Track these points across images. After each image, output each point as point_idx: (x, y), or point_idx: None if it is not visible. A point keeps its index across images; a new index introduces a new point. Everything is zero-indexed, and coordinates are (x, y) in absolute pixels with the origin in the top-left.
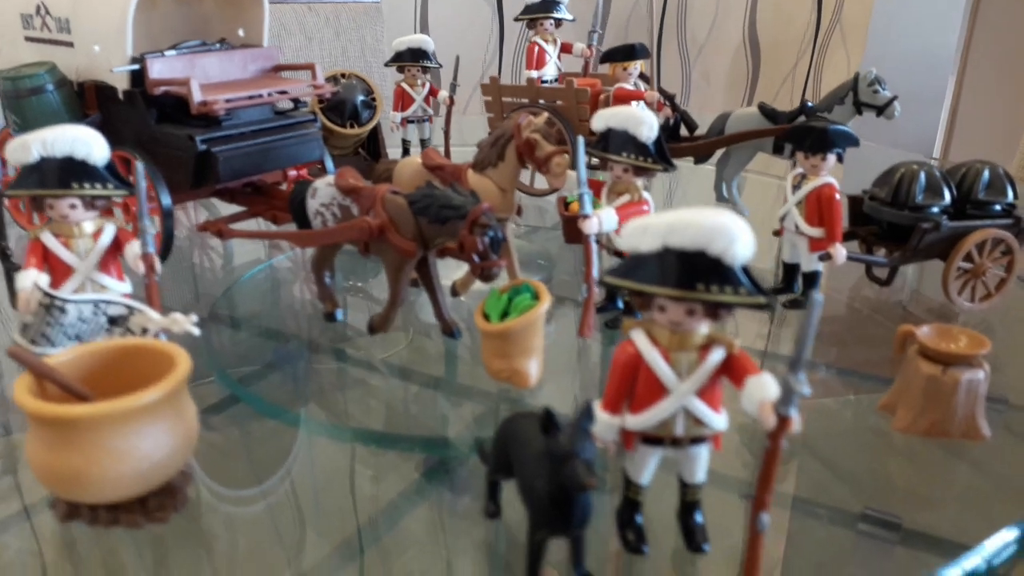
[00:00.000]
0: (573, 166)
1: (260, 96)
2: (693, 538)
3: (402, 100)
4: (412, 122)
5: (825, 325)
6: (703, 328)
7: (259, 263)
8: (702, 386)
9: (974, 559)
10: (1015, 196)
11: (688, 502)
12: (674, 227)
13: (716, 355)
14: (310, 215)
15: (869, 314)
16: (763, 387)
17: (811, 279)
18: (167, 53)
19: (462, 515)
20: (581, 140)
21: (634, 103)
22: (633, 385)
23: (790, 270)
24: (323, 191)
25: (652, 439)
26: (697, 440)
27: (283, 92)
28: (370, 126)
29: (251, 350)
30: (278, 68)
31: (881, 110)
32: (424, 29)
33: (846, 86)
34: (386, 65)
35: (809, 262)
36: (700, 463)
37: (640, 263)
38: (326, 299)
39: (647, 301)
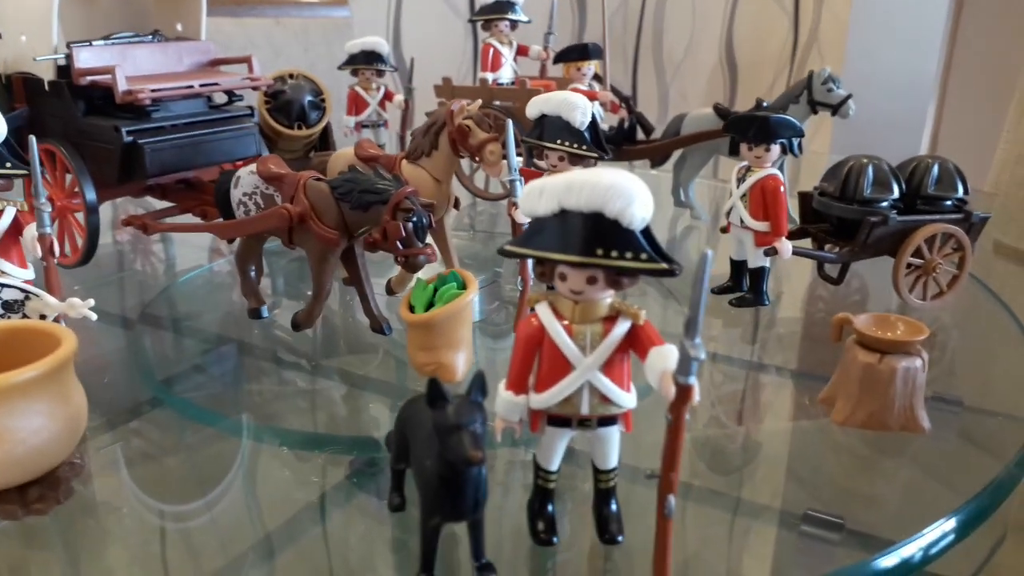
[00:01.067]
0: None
1: (190, 87)
2: (607, 529)
3: (356, 104)
4: (367, 127)
5: (779, 327)
6: (607, 299)
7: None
8: (607, 360)
9: (910, 548)
10: (966, 191)
11: (602, 490)
12: (570, 187)
13: (621, 327)
14: (233, 205)
15: (822, 316)
16: (664, 357)
17: (758, 275)
18: (95, 43)
19: (385, 515)
20: (510, 123)
21: None
22: (538, 360)
23: (737, 267)
24: (246, 179)
25: (559, 419)
26: (606, 421)
27: (215, 84)
28: (319, 128)
29: (180, 352)
30: (215, 62)
31: (836, 108)
32: (396, 44)
33: (800, 84)
34: (339, 68)
35: (755, 258)
36: (611, 446)
37: (540, 229)
38: (250, 295)
39: (549, 270)
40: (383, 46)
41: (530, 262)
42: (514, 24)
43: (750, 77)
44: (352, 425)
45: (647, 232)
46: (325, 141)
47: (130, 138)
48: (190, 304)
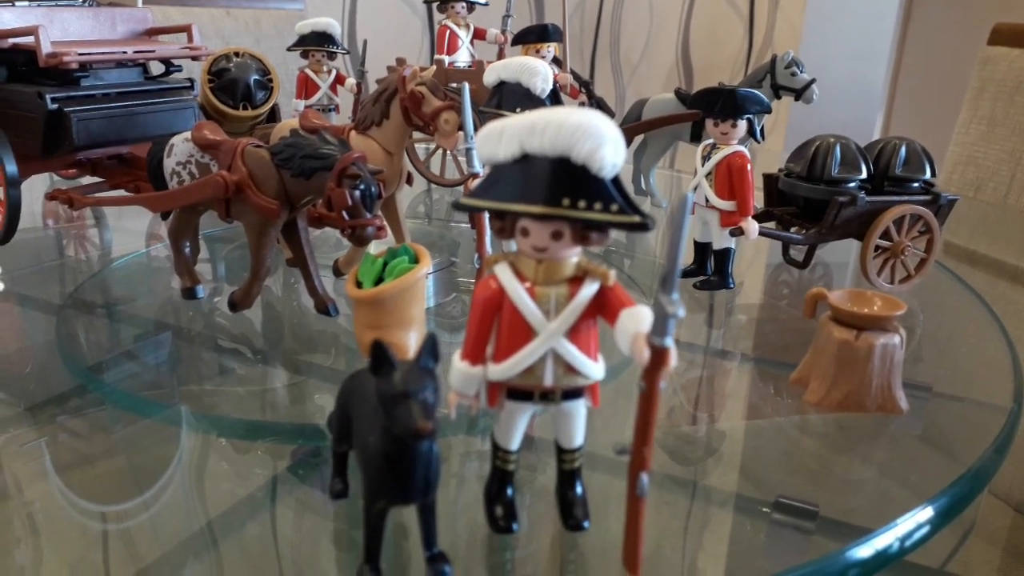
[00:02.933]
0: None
1: (123, 53)
2: (571, 514)
3: (306, 87)
4: (317, 111)
5: (743, 313)
6: (573, 257)
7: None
8: (573, 325)
9: (886, 537)
10: (933, 173)
11: (566, 471)
12: (534, 127)
13: (588, 289)
14: (167, 176)
15: (788, 302)
16: (636, 318)
17: (723, 257)
18: (18, 4)
19: (329, 507)
20: (466, 86)
21: None
22: (496, 328)
23: (702, 249)
24: (179, 147)
25: (519, 392)
26: (571, 394)
27: (150, 51)
28: (266, 108)
29: (111, 339)
30: (152, 32)
31: (800, 93)
32: (352, 37)
33: (763, 68)
34: (289, 49)
35: (720, 239)
36: (576, 422)
37: (499, 179)
38: (184, 273)
39: (509, 225)
40: (335, 27)
41: (488, 234)
42: (471, 6)
43: (705, 80)
44: (295, 413)
45: (617, 181)
46: (273, 123)
47: (55, 105)
48: (124, 289)
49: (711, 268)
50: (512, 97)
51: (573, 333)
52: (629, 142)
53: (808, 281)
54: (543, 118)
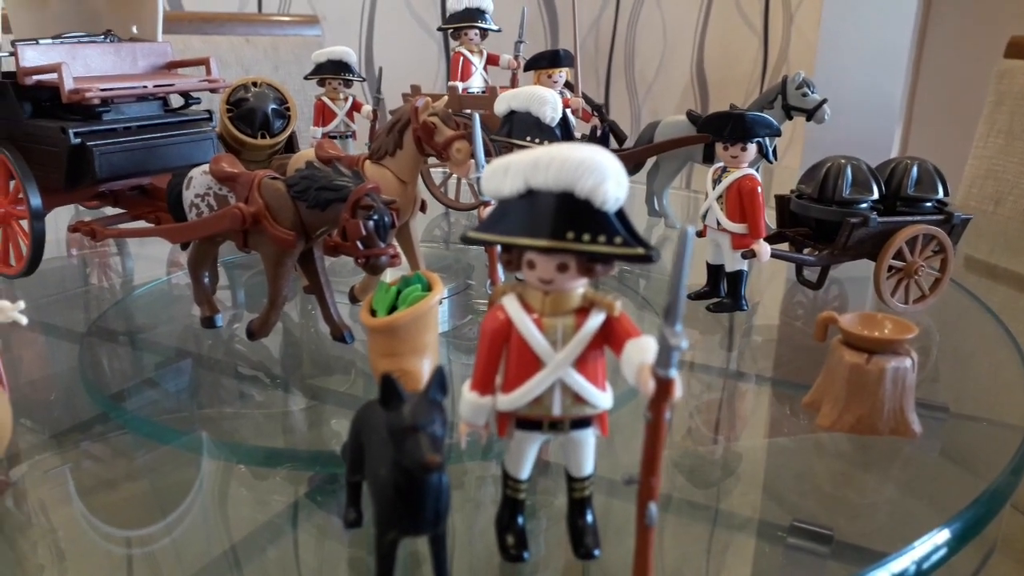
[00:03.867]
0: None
1: (143, 87)
2: (581, 542)
3: (323, 115)
4: (334, 138)
5: (757, 334)
6: (579, 288)
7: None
8: (580, 356)
9: (902, 561)
10: (946, 192)
11: (576, 500)
12: (537, 164)
13: (595, 320)
14: (185, 207)
15: (801, 324)
16: (641, 350)
17: (736, 279)
18: (42, 42)
19: (346, 535)
20: (476, 116)
21: None
22: (505, 358)
23: (714, 272)
24: (198, 180)
25: (528, 422)
26: (579, 423)
27: (170, 85)
28: (284, 136)
29: (132, 367)
30: (172, 65)
31: (811, 114)
32: (368, 63)
33: (774, 89)
34: (306, 78)
35: (733, 261)
36: (585, 451)
37: (505, 213)
38: (203, 302)
39: (516, 258)
40: (351, 56)
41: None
42: (484, 33)
43: (721, 97)
44: (312, 440)
45: (621, 214)
46: (291, 151)
47: (78, 140)
48: (145, 317)
49: (724, 290)
50: (522, 126)
51: (580, 363)
52: (642, 164)
53: (823, 301)
54: (547, 155)
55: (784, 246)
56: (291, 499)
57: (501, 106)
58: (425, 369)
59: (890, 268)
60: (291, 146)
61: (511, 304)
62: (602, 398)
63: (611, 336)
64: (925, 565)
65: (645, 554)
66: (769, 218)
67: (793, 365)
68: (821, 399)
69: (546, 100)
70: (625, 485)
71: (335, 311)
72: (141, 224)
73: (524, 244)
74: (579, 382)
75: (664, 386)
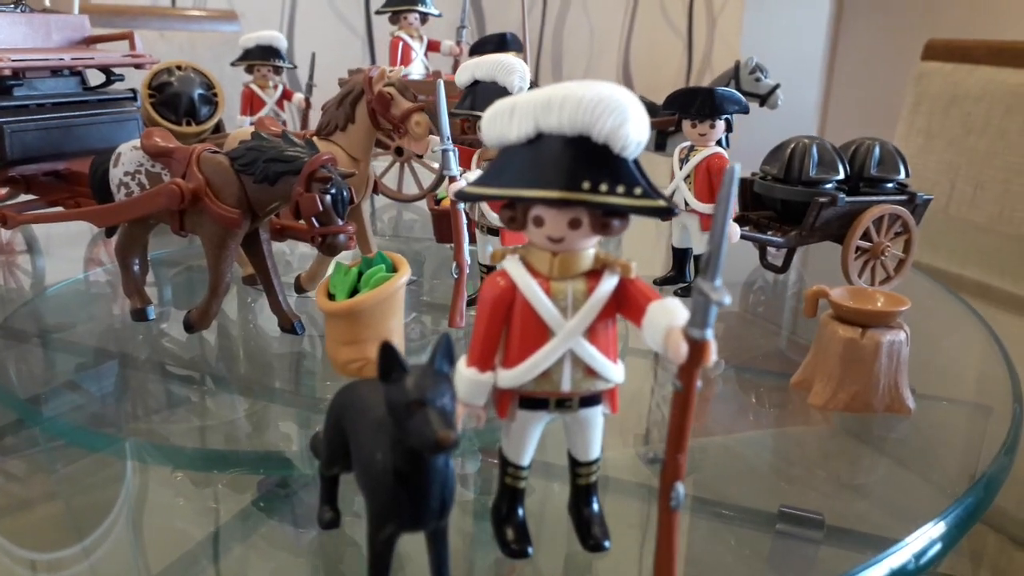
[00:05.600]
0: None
1: (60, 60)
2: (589, 533)
3: (251, 103)
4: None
5: (723, 320)
6: (591, 248)
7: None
8: (593, 323)
9: (901, 555)
10: (907, 174)
11: (581, 487)
12: (550, 103)
13: (608, 283)
14: (113, 187)
15: (765, 309)
16: (668, 311)
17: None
18: None
19: (300, 543)
20: (440, 83)
21: None
22: (507, 330)
23: (680, 256)
24: (127, 156)
25: (533, 400)
26: (589, 400)
27: (89, 58)
28: (210, 124)
29: (49, 369)
30: (91, 40)
31: (764, 99)
32: (289, 58)
33: (727, 75)
34: (232, 64)
35: (702, 243)
36: (594, 432)
37: (507, 163)
38: (133, 293)
39: (521, 214)
40: (281, 41)
41: (466, 242)
42: (424, 17)
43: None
44: (256, 441)
45: (637, 162)
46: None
47: None
48: (61, 316)
49: (691, 274)
50: (487, 97)
51: (592, 332)
52: None
53: (783, 287)
54: (560, 92)
55: (747, 229)
56: (236, 508)
57: (464, 76)
58: None
59: (857, 249)
60: (218, 134)
61: (515, 267)
62: (615, 371)
63: (626, 301)
64: (923, 560)
65: (669, 541)
66: None
67: (763, 350)
68: (812, 377)
69: (514, 68)
70: (647, 465)
71: (284, 299)
72: (62, 209)
73: (534, 197)
74: (591, 353)
75: (698, 349)
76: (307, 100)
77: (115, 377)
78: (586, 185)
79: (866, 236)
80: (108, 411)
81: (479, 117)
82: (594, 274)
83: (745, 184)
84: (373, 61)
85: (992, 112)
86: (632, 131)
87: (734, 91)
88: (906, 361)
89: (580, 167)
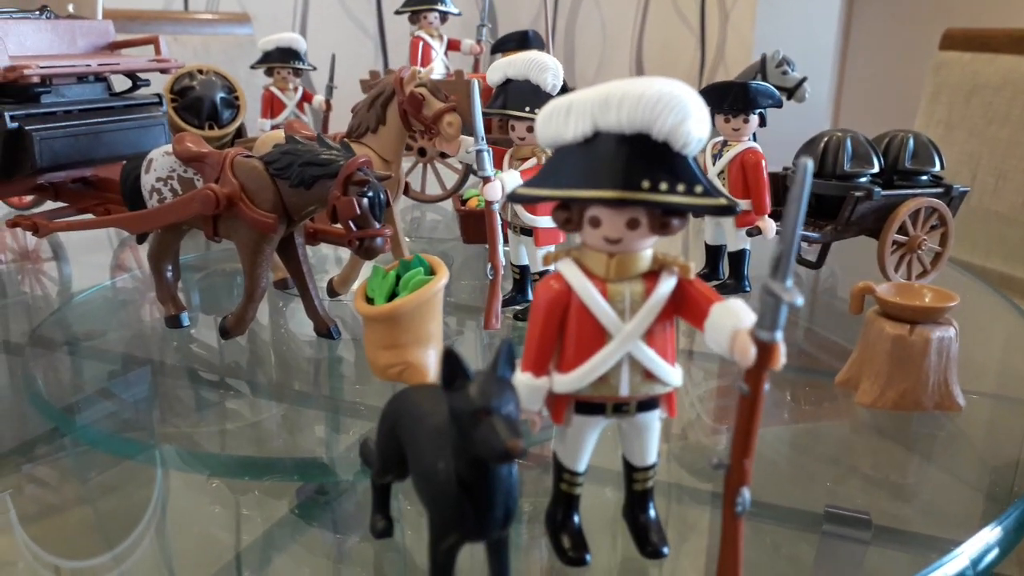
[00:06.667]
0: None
1: (87, 66)
2: (647, 539)
3: (272, 106)
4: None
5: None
6: (648, 248)
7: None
8: (651, 325)
9: (958, 562)
10: (942, 166)
11: (638, 492)
12: (608, 100)
13: (666, 284)
14: (145, 194)
15: (803, 303)
16: (733, 313)
17: (738, 259)
18: None
19: (345, 553)
20: (475, 82)
21: None
22: (562, 334)
23: (714, 252)
24: (160, 162)
25: (590, 405)
26: (647, 404)
27: (115, 64)
28: (233, 127)
29: (82, 378)
30: (115, 45)
31: (792, 92)
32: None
33: (754, 68)
34: (252, 67)
35: (736, 240)
36: (651, 436)
37: (562, 163)
38: (167, 300)
39: (577, 216)
40: (300, 43)
41: (500, 246)
42: (444, 16)
43: None
44: (292, 447)
45: (696, 162)
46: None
47: (15, 124)
48: (91, 324)
49: (724, 271)
50: (519, 96)
51: (650, 335)
52: None
53: (818, 281)
54: (618, 89)
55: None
56: (274, 516)
57: (496, 75)
58: (431, 361)
59: (893, 243)
60: (240, 138)
61: (570, 270)
62: (674, 374)
63: (686, 302)
64: (980, 566)
65: (735, 547)
66: None
67: (807, 345)
68: (859, 376)
69: (547, 66)
70: (713, 470)
71: (319, 304)
72: (93, 217)
73: (592, 197)
74: (650, 356)
75: (767, 351)
76: (327, 102)
77: (147, 384)
78: (646, 184)
79: (902, 230)
80: (141, 418)
81: (512, 116)
82: (652, 275)
83: (777, 179)
84: (386, 61)
85: (1014, 101)
86: (693, 128)
87: (767, 84)
88: (956, 357)
89: (639, 166)
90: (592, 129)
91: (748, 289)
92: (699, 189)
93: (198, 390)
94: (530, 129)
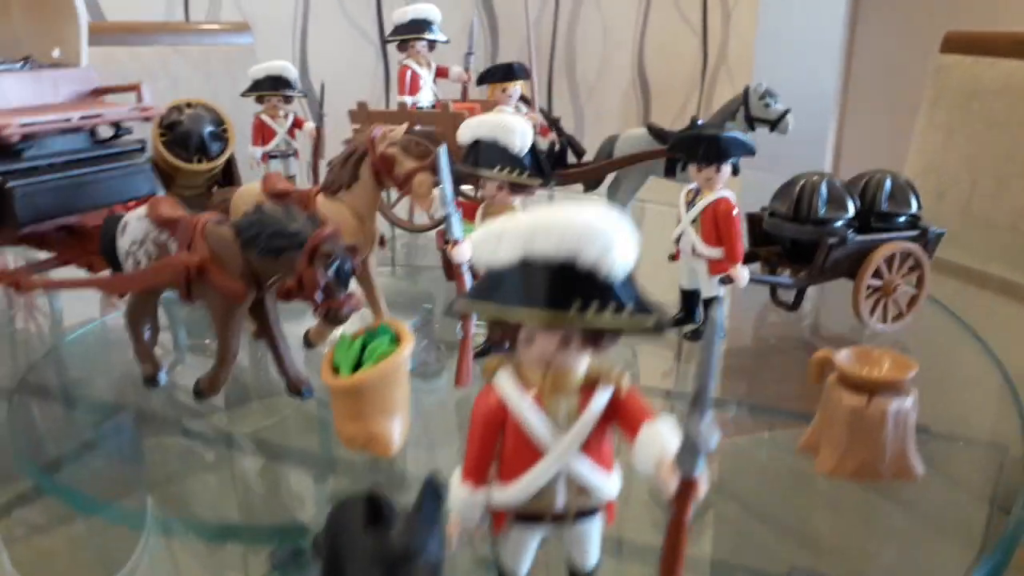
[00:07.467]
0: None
1: (67, 120)
2: None
3: (262, 133)
4: (275, 158)
5: (731, 358)
6: (583, 363)
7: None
8: (587, 440)
9: None
10: (919, 206)
11: None
12: (536, 230)
13: (602, 397)
14: (120, 256)
15: (776, 343)
16: (660, 440)
17: (712, 306)
18: None
19: None
20: (444, 148)
21: None
22: (500, 445)
23: (689, 297)
24: (134, 225)
25: (529, 516)
26: (585, 513)
27: (98, 115)
28: (222, 160)
29: (68, 428)
30: (98, 92)
31: (774, 124)
32: (303, 70)
33: (736, 100)
34: (242, 95)
35: (709, 287)
36: (591, 542)
37: (500, 281)
38: (145, 359)
39: (512, 331)
40: (290, 70)
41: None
42: (432, 44)
43: (663, 96)
44: (272, 506)
45: (629, 280)
46: (229, 175)
47: None
48: (79, 367)
49: (699, 316)
50: (489, 155)
51: (586, 447)
52: (601, 180)
53: (795, 318)
54: (546, 221)
55: (757, 266)
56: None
57: (465, 135)
58: (395, 431)
59: (868, 287)
60: (229, 169)
61: (506, 383)
62: (611, 485)
63: (619, 414)
64: None
65: None
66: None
67: (774, 390)
68: (818, 442)
69: (514, 129)
70: None
71: (291, 363)
72: (75, 273)
73: (523, 318)
74: (586, 470)
75: (688, 486)
76: (318, 129)
77: (129, 436)
78: (574, 308)
79: (877, 274)
80: (123, 474)
81: (482, 176)
82: (588, 388)
83: (754, 220)
84: (387, 69)
85: (1015, 106)
86: (618, 257)
87: (740, 135)
88: (913, 427)
89: (568, 290)
90: (522, 256)
91: (723, 335)
92: (627, 310)
93: (181, 442)
94: (500, 187)
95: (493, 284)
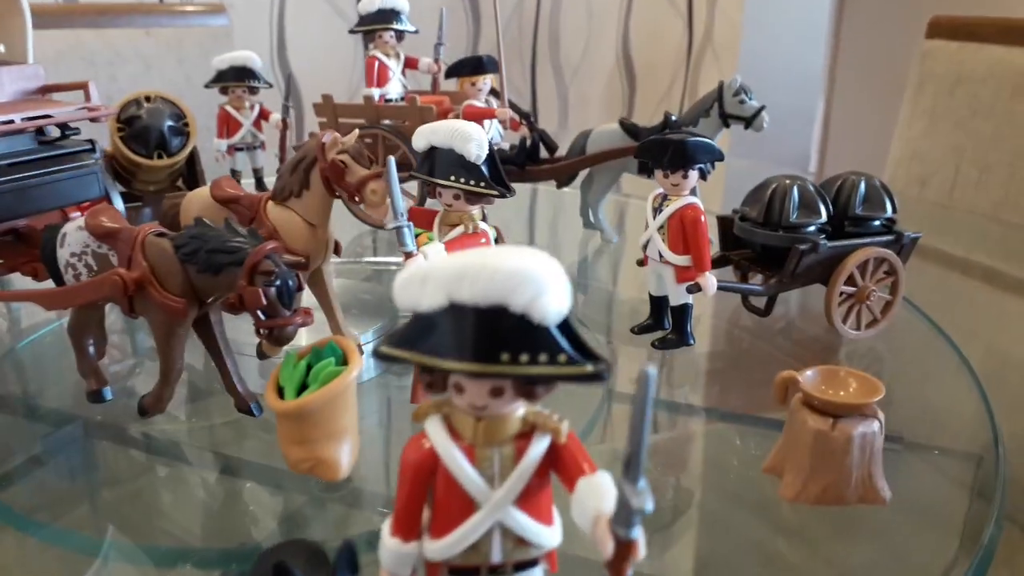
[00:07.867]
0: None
1: (10, 122)
2: None
3: (227, 125)
4: (240, 150)
5: (704, 362)
6: (518, 410)
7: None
8: (523, 491)
9: None
10: (894, 209)
11: None
12: (462, 275)
13: (539, 446)
14: (60, 267)
15: (749, 347)
16: (598, 493)
17: (681, 313)
18: None
19: None
20: (392, 162)
21: (485, 121)
22: (431, 495)
23: (657, 303)
24: (73, 237)
25: (464, 570)
26: (524, 565)
27: (44, 116)
28: (183, 155)
29: (17, 441)
30: (45, 89)
31: (749, 122)
32: (281, 53)
33: (710, 97)
34: (207, 86)
35: (677, 295)
36: None
37: (427, 326)
38: (89, 374)
39: (440, 380)
40: (255, 60)
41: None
42: (400, 35)
43: (647, 78)
44: (225, 527)
45: (566, 323)
46: (192, 169)
47: None
48: (33, 374)
49: (668, 323)
50: (445, 163)
51: (523, 499)
52: (574, 176)
53: (768, 322)
54: (474, 265)
55: (728, 270)
56: None
57: (420, 141)
58: (343, 455)
59: (841, 294)
60: (192, 164)
61: (436, 432)
62: (550, 536)
63: (558, 464)
64: None
65: None
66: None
67: (745, 397)
68: (782, 465)
69: (470, 137)
70: None
71: (239, 380)
72: (15, 286)
73: (451, 368)
74: (522, 523)
75: (624, 548)
76: (284, 121)
77: (80, 449)
78: (505, 356)
79: (850, 281)
80: (68, 492)
81: (438, 184)
82: (524, 436)
83: (725, 223)
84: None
85: (999, 93)
86: (551, 302)
87: (708, 140)
88: (880, 451)
89: (498, 338)
90: (447, 302)
91: (692, 343)
92: (562, 358)
93: (131, 455)
94: (456, 196)
95: (420, 329)
